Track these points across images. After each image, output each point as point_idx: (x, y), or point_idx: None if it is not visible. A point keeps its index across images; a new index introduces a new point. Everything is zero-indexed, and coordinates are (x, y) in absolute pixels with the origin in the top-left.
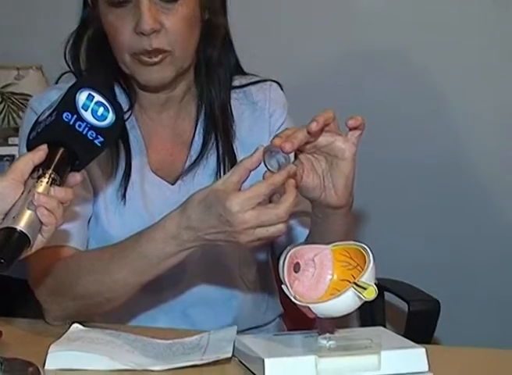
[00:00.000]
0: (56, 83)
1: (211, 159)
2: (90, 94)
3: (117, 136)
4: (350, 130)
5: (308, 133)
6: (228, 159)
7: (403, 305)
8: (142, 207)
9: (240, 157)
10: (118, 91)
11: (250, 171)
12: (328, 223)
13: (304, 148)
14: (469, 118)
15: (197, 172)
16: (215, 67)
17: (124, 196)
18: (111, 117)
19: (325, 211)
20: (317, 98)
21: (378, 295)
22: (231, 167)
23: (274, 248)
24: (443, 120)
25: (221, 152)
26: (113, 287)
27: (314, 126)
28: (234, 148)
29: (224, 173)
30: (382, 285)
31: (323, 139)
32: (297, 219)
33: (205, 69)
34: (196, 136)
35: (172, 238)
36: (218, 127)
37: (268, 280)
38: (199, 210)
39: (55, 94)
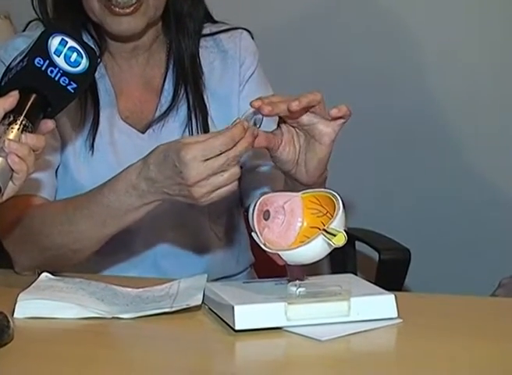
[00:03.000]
0: (23, 31)
1: (182, 109)
2: (63, 39)
3: (90, 82)
4: (333, 119)
5: (288, 110)
6: (198, 109)
7: (374, 255)
8: (111, 155)
9: (210, 107)
10: (86, 38)
11: None
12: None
13: (286, 120)
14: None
15: (168, 121)
16: (184, 18)
17: (92, 146)
18: (84, 63)
19: (294, 183)
20: (285, 46)
21: (349, 245)
22: (201, 117)
23: (243, 197)
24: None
25: (191, 103)
26: (78, 239)
27: (294, 105)
28: (205, 97)
29: (195, 123)
30: (353, 234)
31: (306, 118)
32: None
33: (174, 20)
34: (166, 84)
35: (133, 189)
36: (188, 78)
37: (238, 230)
38: (158, 160)
39: (21, 42)
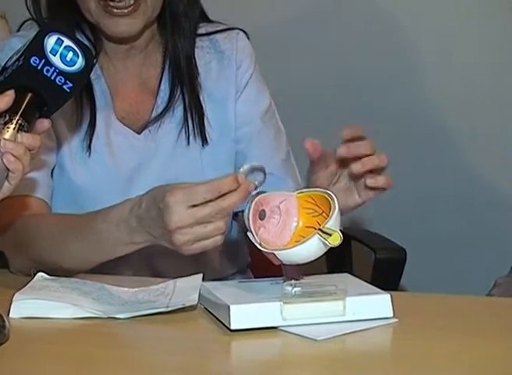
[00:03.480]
0: (18, 31)
1: (178, 110)
2: (59, 38)
3: (86, 81)
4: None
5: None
6: (194, 110)
7: (370, 254)
8: (108, 156)
9: (207, 108)
10: (80, 39)
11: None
12: None
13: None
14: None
15: (164, 122)
16: (180, 18)
17: (89, 147)
18: (80, 62)
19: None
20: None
21: (344, 244)
22: (198, 118)
23: None
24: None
25: (187, 103)
26: (66, 258)
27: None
28: (201, 98)
29: (191, 123)
30: (348, 234)
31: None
32: None
33: (170, 20)
34: (162, 85)
35: (124, 223)
36: (184, 79)
37: (234, 230)
38: (148, 200)
39: (16, 42)
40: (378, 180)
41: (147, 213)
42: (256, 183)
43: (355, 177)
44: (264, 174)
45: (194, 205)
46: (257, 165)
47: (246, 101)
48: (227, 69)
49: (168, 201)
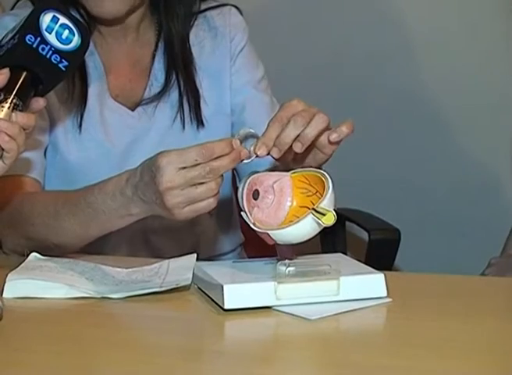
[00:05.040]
0: (12, 9)
1: (173, 93)
2: (54, 16)
3: (82, 60)
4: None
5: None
6: (190, 95)
7: (364, 235)
8: (102, 134)
9: (202, 85)
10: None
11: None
12: None
13: None
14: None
15: (159, 102)
16: (173, 1)
17: (81, 123)
18: (76, 40)
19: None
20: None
21: (339, 225)
22: (194, 102)
23: (239, 173)
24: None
25: (182, 89)
26: (60, 234)
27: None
28: (196, 80)
29: (187, 108)
30: (343, 215)
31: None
32: None
33: (163, 2)
34: (155, 63)
35: (120, 193)
36: (179, 65)
37: (229, 208)
38: (143, 167)
39: (10, 21)
40: (341, 133)
41: (141, 180)
42: (250, 149)
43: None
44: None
45: (186, 167)
46: (253, 132)
47: (239, 71)
48: (221, 45)
49: (160, 163)
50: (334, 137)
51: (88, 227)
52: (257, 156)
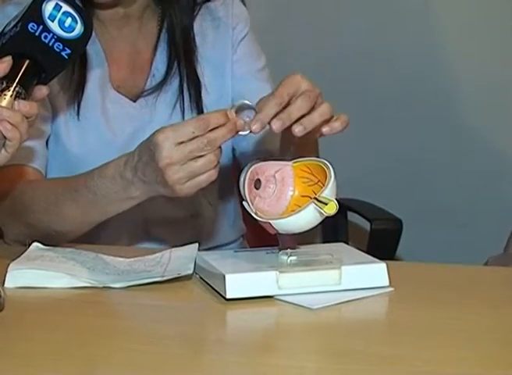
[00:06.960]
0: None
1: (174, 83)
2: (57, 3)
3: (85, 48)
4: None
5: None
6: (191, 84)
7: (366, 225)
8: (103, 124)
9: (203, 75)
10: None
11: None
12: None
13: None
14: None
15: (160, 93)
16: None
17: (79, 110)
18: (79, 28)
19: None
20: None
21: (341, 214)
22: (194, 91)
23: (240, 162)
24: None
25: (184, 79)
26: (61, 221)
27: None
28: (198, 70)
29: (187, 97)
30: (344, 204)
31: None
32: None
33: None
34: (158, 54)
35: (120, 177)
36: (180, 55)
37: (231, 197)
38: (141, 148)
39: (12, 9)
40: (333, 128)
41: (140, 160)
42: (246, 120)
43: None
44: (256, 113)
45: (184, 142)
46: (248, 103)
47: (240, 59)
48: (223, 34)
49: (157, 140)
50: (326, 130)
51: (89, 212)
52: (251, 132)
